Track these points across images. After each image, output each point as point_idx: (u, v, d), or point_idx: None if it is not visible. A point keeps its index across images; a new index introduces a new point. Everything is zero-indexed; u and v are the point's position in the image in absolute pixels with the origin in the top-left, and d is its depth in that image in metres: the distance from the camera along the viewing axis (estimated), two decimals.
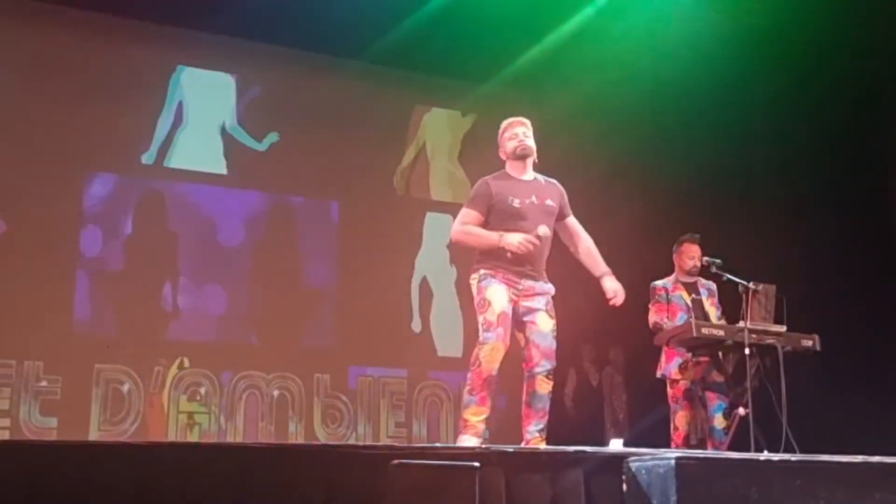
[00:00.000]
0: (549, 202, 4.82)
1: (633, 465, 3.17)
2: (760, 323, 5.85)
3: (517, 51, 7.70)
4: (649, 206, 6.84)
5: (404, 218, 8.27)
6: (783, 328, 5.90)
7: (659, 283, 6.30)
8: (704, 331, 5.81)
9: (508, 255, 4.59)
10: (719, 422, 6.04)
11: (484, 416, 4.51)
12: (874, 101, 6.56)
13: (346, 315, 7.83)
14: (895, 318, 6.23)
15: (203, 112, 7.74)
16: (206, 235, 7.56)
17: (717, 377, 6.11)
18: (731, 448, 5.67)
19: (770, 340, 5.80)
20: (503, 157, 4.95)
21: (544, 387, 4.63)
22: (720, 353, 6.13)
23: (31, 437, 6.64)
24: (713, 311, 6.26)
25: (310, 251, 7.88)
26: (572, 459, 3.25)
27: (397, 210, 8.28)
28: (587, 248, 4.96)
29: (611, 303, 4.83)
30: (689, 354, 6.09)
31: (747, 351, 5.70)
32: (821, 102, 6.75)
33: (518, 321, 4.69)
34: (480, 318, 4.63)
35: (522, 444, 4.57)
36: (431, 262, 8.29)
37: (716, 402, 6.07)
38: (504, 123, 4.98)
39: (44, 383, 6.84)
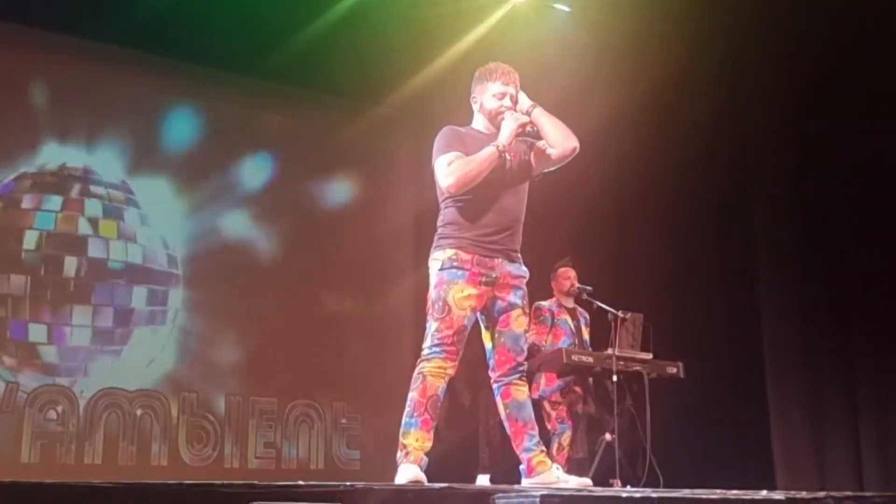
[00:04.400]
0: (524, 157, 4.04)
1: (500, 502, 3.15)
2: (628, 350, 6.01)
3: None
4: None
5: None
6: (650, 355, 6.07)
7: (545, 304, 6.37)
8: (574, 357, 5.94)
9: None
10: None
11: (428, 443, 3.81)
12: (740, 138, 6.80)
13: None
14: (755, 350, 6.46)
15: None
16: None
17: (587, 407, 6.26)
18: (596, 473, 5.77)
19: (636, 367, 5.96)
20: (477, 111, 4.07)
21: (521, 392, 3.94)
22: (591, 380, 6.27)
23: None
24: (589, 341, 6.40)
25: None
26: (438, 496, 3.21)
27: None
28: None
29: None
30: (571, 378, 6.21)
31: (615, 378, 5.83)
32: (689, 135, 6.95)
33: (489, 318, 3.95)
34: (433, 324, 3.84)
35: (522, 467, 3.95)
36: None
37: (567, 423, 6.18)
38: (492, 68, 4.01)
39: None
